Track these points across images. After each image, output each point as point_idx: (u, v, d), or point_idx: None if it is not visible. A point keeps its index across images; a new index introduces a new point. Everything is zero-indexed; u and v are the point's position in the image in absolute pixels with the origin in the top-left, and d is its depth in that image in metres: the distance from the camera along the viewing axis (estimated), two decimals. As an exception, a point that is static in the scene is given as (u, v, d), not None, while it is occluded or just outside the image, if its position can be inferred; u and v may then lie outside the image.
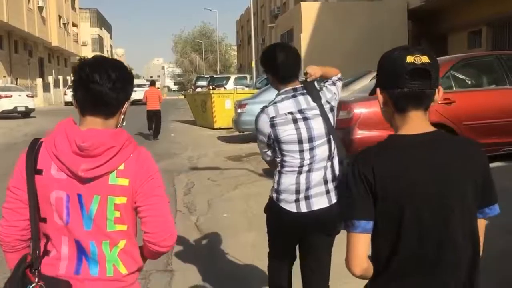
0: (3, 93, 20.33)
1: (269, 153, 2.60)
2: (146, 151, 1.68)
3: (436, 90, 1.43)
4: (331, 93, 2.57)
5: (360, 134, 6.35)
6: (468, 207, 1.38)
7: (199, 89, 25.93)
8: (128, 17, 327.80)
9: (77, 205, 1.59)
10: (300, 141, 2.44)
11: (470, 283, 1.40)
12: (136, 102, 24.51)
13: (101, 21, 62.44)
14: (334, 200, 2.47)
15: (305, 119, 2.44)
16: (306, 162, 2.45)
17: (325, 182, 2.47)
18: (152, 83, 15.60)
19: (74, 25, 49.06)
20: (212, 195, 6.98)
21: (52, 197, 1.58)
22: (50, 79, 36.35)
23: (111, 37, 72.65)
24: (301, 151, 2.45)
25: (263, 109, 2.53)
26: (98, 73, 1.57)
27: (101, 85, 1.57)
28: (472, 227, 1.40)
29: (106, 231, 1.61)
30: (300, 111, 2.45)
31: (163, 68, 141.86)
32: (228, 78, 27.39)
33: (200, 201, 6.66)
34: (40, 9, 36.28)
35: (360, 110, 6.41)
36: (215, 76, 30.87)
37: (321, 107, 2.47)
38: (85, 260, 1.61)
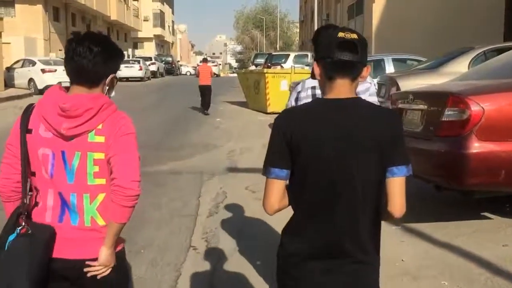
0: (46, 67, 19.47)
1: None
2: (124, 115, 1.86)
3: (365, 67, 1.64)
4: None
5: (481, 147, 3.90)
6: (368, 163, 1.58)
7: (252, 67, 23.91)
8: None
9: (61, 161, 1.81)
10: None
11: (361, 229, 1.61)
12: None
13: (163, -4, 61.67)
14: None
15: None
16: None
17: None
18: (204, 60, 17.17)
19: (135, -1, 48.35)
20: (246, 220, 4.97)
21: (39, 153, 1.82)
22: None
23: (173, 13, 71.91)
24: None
25: (296, 84, 3.02)
26: (82, 47, 1.78)
27: (83, 58, 1.78)
28: (371, 181, 1.60)
29: (87, 184, 1.81)
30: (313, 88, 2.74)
31: (225, 45, 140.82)
32: (287, 56, 24.96)
33: (227, 230, 4.68)
34: (99, -19, 35.46)
35: (481, 108, 3.91)
36: (273, 53, 28.62)
37: None
38: (67, 210, 1.84)
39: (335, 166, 1.57)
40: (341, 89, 1.61)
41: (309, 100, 2.52)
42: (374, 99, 2.76)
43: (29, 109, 1.86)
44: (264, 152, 1.69)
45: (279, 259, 1.67)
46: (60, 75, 19.02)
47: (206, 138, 10.23)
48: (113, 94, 1.92)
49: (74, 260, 1.80)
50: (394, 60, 10.50)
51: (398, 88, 7.32)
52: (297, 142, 1.58)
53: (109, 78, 1.86)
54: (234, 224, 4.84)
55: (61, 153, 1.81)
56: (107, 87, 1.87)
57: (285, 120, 1.63)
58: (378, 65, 10.59)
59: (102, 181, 1.82)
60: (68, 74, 1.84)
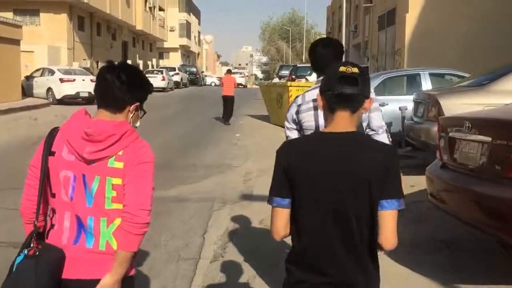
0: (65, 77, 18.95)
1: (291, 134, 2.76)
2: (145, 143, 1.92)
3: (367, 99, 1.72)
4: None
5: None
6: (362, 196, 1.63)
7: (276, 79, 22.96)
8: (218, 3, 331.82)
9: (81, 184, 1.86)
10: (317, 128, 2.58)
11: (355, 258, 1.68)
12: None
13: (189, 6, 61.75)
14: None
15: None
16: None
17: None
18: (228, 71, 17.17)
19: (161, 9, 48.22)
20: (257, 266, 4.08)
21: (61, 176, 1.88)
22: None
23: (199, 23, 72.10)
24: None
25: (296, 97, 2.80)
26: (111, 73, 1.89)
27: (110, 83, 1.88)
28: (366, 214, 1.65)
29: (104, 208, 1.86)
30: None
31: (251, 56, 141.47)
32: (313, 68, 24.06)
33: (233, 280, 3.81)
34: (125, -9, 35.41)
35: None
36: (298, 65, 27.75)
37: None
38: (83, 232, 1.87)
39: (330, 199, 1.64)
40: (340, 121, 1.70)
41: (311, 112, 2.62)
42: (378, 115, 2.75)
43: (53, 132, 1.93)
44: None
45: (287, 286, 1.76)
46: (79, 85, 18.67)
47: (222, 156, 9.44)
48: (138, 124, 1.99)
49: (87, 281, 1.82)
50: (431, 74, 9.44)
51: (439, 108, 6.35)
52: (293, 175, 1.69)
53: (134, 105, 1.93)
54: (241, 272, 3.97)
55: (82, 176, 1.85)
56: (131, 115, 1.94)
57: (284, 153, 1.74)
58: (413, 80, 9.60)
59: (119, 206, 1.84)
60: (96, 97, 1.94)
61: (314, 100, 2.50)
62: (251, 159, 9.15)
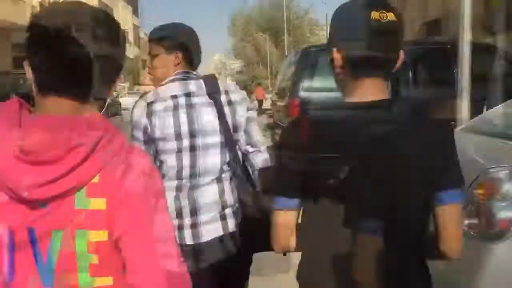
0: None
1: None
2: (142, 153, 1.07)
3: (400, 54, 1.22)
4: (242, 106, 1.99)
5: None
6: (411, 188, 1.18)
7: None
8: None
9: (27, 248, 0.96)
10: (178, 136, 1.87)
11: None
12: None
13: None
14: (231, 229, 1.93)
15: (190, 106, 1.90)
16: (186, 171, 1.88)
17: (220, 204, 1.92)
18: None
19: None
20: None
21: None
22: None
23: (137, 14, 51.23)
24: (179, 151, 1.87)
25: (142, 95, 2.00)
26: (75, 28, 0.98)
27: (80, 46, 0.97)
28: (415, 211, 1.21)
29: None
30: (187, 95, 1.91)
31: (223, 64, 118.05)
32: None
33: None
34: None
35: None
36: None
37: (216, 96, 1.93)
38: None
39: (367, 194, 1.17)
40: (369, 90, 1.20)
41: (170, 113, 1.87)
42: (256, 126, 2.07)
43: None
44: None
45: None
46: None
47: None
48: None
49: None
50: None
51: None
52: (313, 166, 1.18)
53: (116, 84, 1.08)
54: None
55: (27, 233, 0.95)
56: (108, 100, 1.18)
57: (296, 135, 1.23)
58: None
59: (107, 281, 0.98)
60: (42, 77, 0.99)
61: (174, 97, 1.88)
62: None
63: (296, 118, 1.27)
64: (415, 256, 1.23)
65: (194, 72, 2.01)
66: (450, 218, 1.21)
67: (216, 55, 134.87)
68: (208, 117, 1.89)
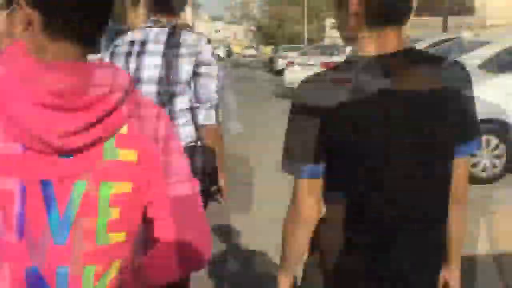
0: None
1: None
2: (152, 102, 1.03)
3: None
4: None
5: None
6: (436, 140, 1.12)
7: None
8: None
9: (40, 203, 0.85)
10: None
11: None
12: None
13: None
14: None
15: (142, 53, 1.99)
16: None
17: None
18: None
19: None
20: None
21: None
22: None
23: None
24: None
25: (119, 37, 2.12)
26: None
27: None
28: (440, 167, 1.15)
29: (95, 245, 0.90)
30: (143, 43, 2.01)
31: (217, 31, 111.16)
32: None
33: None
34: None
35: None
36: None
37: (171, 47, 1.97)
38: None
39: (405, 157, 1.10)
40: (388, 40, 1.11)
41: (123, 58, 1.99)
42: (211, 82, 2.03)
43: None
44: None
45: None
46: None
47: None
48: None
49: None
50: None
51: None
52: (334, 126, 1.09)
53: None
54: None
55: (40, 187, 0.85)
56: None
57: (314, 93, 1.11)
58: None
59: (120, 236, 0.93)
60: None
61: (131, 43, 2.00)
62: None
63: (311, 76, 1.19)
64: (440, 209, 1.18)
65: (171, 20, 2.03)
66: (463, 169, 1.19)
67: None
68: (154, 67, 1.96)
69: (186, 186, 0.98)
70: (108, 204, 0.90)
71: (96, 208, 0.88)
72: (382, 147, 1.08)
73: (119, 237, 0.92)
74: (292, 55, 17.87)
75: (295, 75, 12.54)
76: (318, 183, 1.14)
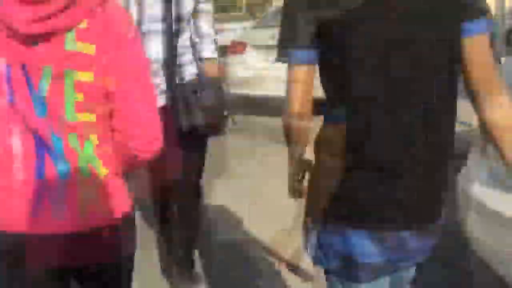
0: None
1: None
2: (120, 7, 1.26)
3: None
4: None
5: None
6: (439, 31, 1.12)
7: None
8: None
9: (21, 79, 1.10)
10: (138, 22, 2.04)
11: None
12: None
13: None
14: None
15: None
16: None
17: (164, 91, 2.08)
18: None
19: None
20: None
21: None
22: None
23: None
24: None
25: None
26: None
27: None
28: (441, 60, 1.13)
29: (67, 120, 1.11)
30: None
31: None
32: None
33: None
34: None
35: None
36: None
37: None
38: (49, 156, 1.12)
39: (393, 36, 1.08)
40: None
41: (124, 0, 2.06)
42: (208, 18, 2.19)
43: None
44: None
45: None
46: None
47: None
48: None
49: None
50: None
51: None
52: (330, 17, 1.08)
53: None
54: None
55: (20, 67, 1.08)
56: None
57: None
58: None
59: (90, 117, 1.13)
60: None
61: None
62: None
63: None
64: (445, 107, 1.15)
65: None
66: (480, 50, 1.13)
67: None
68: (155, 6, 2.00)
69: (142, 78, 1.12)
70: (73, 89, 1.07)
71: (62, 90, 1.07)
72: (382, 32, 1.07)
73: (87, 117, 1.09)
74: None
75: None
76: (310, 70, 1.13)
